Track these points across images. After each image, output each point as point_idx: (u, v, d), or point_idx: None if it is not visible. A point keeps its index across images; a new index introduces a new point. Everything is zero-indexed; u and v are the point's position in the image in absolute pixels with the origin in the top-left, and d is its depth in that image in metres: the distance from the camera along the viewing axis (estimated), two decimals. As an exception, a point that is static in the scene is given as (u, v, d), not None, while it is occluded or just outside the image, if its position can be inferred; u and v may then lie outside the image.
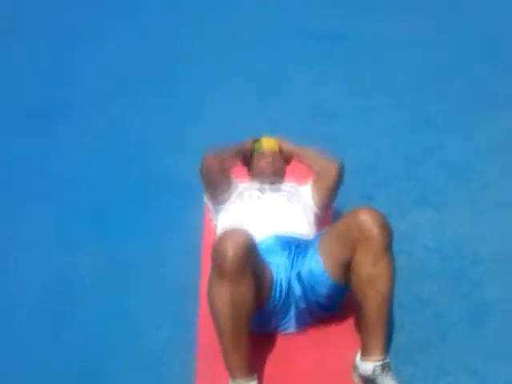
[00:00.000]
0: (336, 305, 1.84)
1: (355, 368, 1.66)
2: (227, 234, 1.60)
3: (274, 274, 1.74)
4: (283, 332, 1.82)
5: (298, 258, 1.80)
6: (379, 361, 1.58)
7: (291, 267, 1.78)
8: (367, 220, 1.61)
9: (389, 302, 1.62)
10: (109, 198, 2.61)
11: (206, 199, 2.24)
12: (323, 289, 1.74)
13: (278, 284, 1.75)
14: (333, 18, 5.19)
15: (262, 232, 1.86)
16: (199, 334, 1.84)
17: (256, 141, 2.31)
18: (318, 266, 1.72)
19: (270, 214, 2.00)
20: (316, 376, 1.72)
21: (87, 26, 4.57)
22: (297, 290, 1.76)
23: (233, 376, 1.57)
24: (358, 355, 1.66)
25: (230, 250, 1.53)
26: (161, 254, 2.25)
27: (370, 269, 1.60)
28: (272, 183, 2.19)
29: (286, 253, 1.82)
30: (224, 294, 1.54)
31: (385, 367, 1.58)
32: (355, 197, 2.58)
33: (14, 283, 2.15)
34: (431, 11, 5.39)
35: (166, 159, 2.89)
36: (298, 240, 1.90)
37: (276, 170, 2.22)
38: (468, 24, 5.10)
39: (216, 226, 2.20)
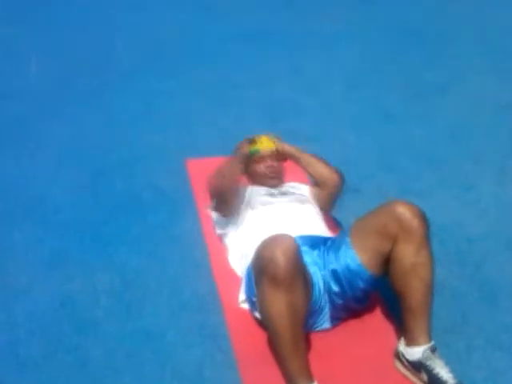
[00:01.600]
0: (369, 297, 1.88)
1: (400, 355, 1.71)
2: (273, 240, 1.58)
3: (312, 274, 1.75)
4: (318, 329, 1.83)
5: (328, 255, 1.81)
6: (427, 344, 1.64)
7: (324, 265, 1.79)
8: (405, 212, 1.67)
9: (432, 288, 1.67)
10: (98, 216, 2.46)
11: (212, 211, 2.21)
12: (361, 283, 1.77)
13: (316, 284, 1.76)
14: (263, 16, 5.31)
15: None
16: (235, 346, 1.80)
17: (251, 142, 2.21)
18: (355, 261, 1.74)
19: (287, 218, 2.01)
20: (359, 368, 1.73)
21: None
22: (334, 286, 1.77)
23: (294, 382, 1.56)
24: (402, 343, 1.70)
25: (282, 257, 1.51)
26: (169, 267, 2.15)
27: (412, 258, 1.65)
28: (275, 186, 2.20)
29: (316, 251, 1.83)
30: (281, 302, 1.51)
31: (433, 350, 1.64)
32: (343, 190, 2.65)
33: (22, 316, 1.96)
34: (355, 5, 5.65)
35: (148, 171, 2.81)
36: (323, 238, 1.93)
37: (277, 172, 2.22)
38: (393, 14, 5.40)
39: (225, 235, 2.17)
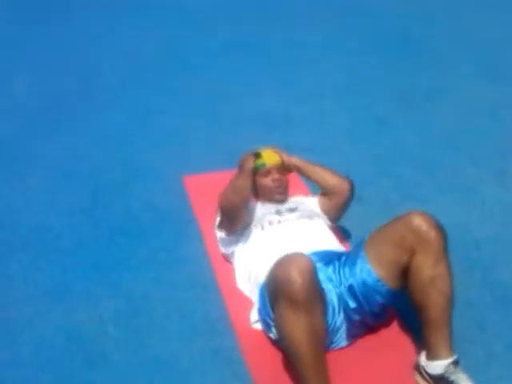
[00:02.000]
0: (386, 311, 1.85)
1: (421, 369, 1.67)
2: (288, 260, 1.54)
3: (326, 292, 1.72)
4: (335, 348, 1.79)
5: (344, 271, 1.77)
6: (450, 358, 1.61)
7: (340, 282, 1.76)
8: (422, 224, 1.64)
9: (452, 301, 1.64)
10: (99, 240, 2.40)
11: (218, 230, 2.16)
12: (378, 297, 1.73)
13: (330, 302, 1.72)
14: (248, 29, 5.30)
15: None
16: (251, 370, 1.75)
17: (257, 156, 2.15)
18: (371, 276, 1.71)
19: (297, 236, 1.97)
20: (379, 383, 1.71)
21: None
22: (351, 303, 1.74)
23: (318, 403, 1.52)
24: (423, 356, 1.67)
25: (299, 278, 1.47)
26: (176, 290, 2.10)
27: (431, 271, 1.62)
28: (282, 201, 2.16)
29: (331, 267, 1.80)
30: (301, 324, 1.48)
31: (457, 363, 1.61)
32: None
33: (28, 352, 1.88)
34: (336, 16, 5.66)
35: (146, 191, 2.75)
36: (337, 253, 1.90)
37: (283, 187, 2.18)
38: (376, 23, 5.42)
39: (231, 255, 2.14)
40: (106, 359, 1.83)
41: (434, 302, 1.62)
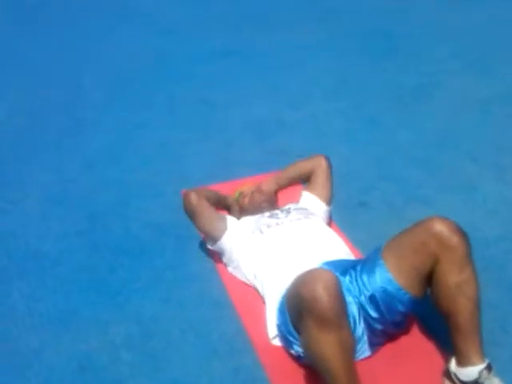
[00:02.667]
0: (406, 319, 1.81)
1: (452, 376, 1.63)
2: (312, 277, 1.48)
3: (347, 304, 1.66)
4: (358, 358, 1.74)
5: (362, 280, 1.72)
6: (483, 364, 1.57)
7: (359, 292, 1.71)
8: (444, 230, 1.60)
9: (479, 305, 1.61)
10: (100, 264, 2.32)
11: (209, 242, 2.17)
12: (400, 306, 1.68)
13: (351, 313, 1.67)
14: (229, 35, 5.26)
15: (310, 263, 1.76)
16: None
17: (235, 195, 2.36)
18: (393, 284, 1.66)
19: (302, 240, 1.95)
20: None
21: None
22: (372, 312, 1.69)
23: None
24: (453, 363, 1.63)
25: (326, 295, 1.41)
26: (188, 310, 2.03)
27: (456, 277, 1.58)
28: (270, 208, 2.20)
29: (348, 277, 1.74)
30: (332, 342, 1.42)
31: (490, 369, 1.57)
32: (350, 205, 2.60)
33: None
34: (320, 17, 5.65)
35: (142, 209, 2.68)
36: (351, 261, 1.85)
37: (266, 195, 2.27)
38: (359, 23, 5.42)
39: (233, 263, 2.10)
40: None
41: (461, 308, 1.58)
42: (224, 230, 2.09)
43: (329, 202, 2.28)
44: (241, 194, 2.31)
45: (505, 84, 3.87)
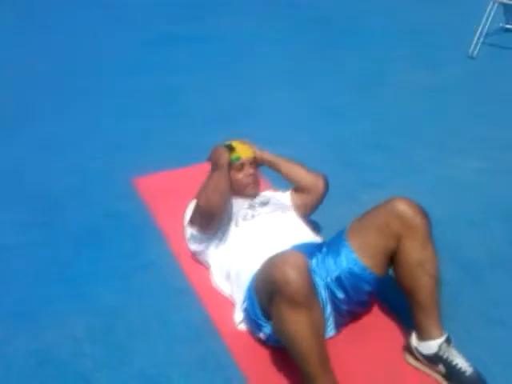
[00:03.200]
0: (370, 299, 1.86)
1: (413, 350, 1.69)
2: (282, 259, 1.49)
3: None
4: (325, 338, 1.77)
5: (328, 262, 1.75)
6: (442, 337, 1.64)
7: (326, 273, 1.73)
8: (406, 210, 1.65)
9: (439, 282, 1.67)
10: (59, 255, 2.24)
11: (191, 227, 2.05)
12: (366, 286, 1.73)
13: (320, 294, 1.70)
14: (193, 22, 5.19)
15: (280, 247, 1.74)
16: (246, 373, 1.70)
17: (231, 150, 2.07)
18: (358, 264, 1.70)
19: (273, 229, 1.94)
20: (372, 370, 1.71)
21: None
22: (338, 293, 1.72)
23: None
24: (414, 337, 1.69)
25: (297, 277, 1.43)
26: (150, 299, 2.00)
27: (419, 255, 1.64)
28: (254, 195, 2.13)
29: (314, 260, 1.77)
30: (304, 323, 1.44)
31: (449, 342, 1.64)
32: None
33: None
34: (280, 10, 5.67)
35: (99, 198, 2.62)
36: (316, 244, 1.88)
37: (256, 181, 2.14)
38: (313, 14, 5.47)
39: (203, 252, 2.07)
40: (87, 381, 1.71)
41: (423, 284, 1.64)
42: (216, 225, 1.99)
43: (304, 217, 2.14)
44: (238, 159, 2.07)
45: (452, 73, 4.03)
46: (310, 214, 2.18)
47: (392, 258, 1.71)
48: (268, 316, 1.63)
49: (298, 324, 1.44)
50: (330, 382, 1.50)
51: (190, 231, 2.06)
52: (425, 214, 1.67)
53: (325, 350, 1.51)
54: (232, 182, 2.06)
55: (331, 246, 1.80)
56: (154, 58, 4.35)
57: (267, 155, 2.15)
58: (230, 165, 2.05)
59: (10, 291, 2.06)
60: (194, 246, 2.09)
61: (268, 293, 1.53)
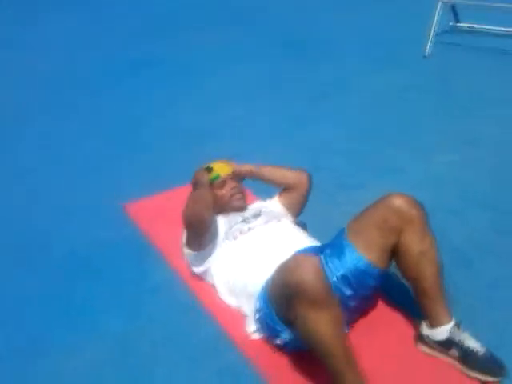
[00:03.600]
0: (374, 294, 1.93)
1: (424, 338, 1.77)
2: (297, 263, 1.55)
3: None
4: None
5: (332, 262, 1.81)
6: (452, 322, 1.73)
7: (331, 274, 1.79)
8: (403, 204, 1.74)
9: (442, 269, 1.76)
10: (55, 289, 2.23)
11: (188, 248, 2.10)
12: (371, 280, 1.81)
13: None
14: (147, 45, 5.20)
15: (284, 254, 1.76)
16: (270, 381, 1.74)
17: (209, 171, 2.16)
18: (362, 261, 1.77)
19: (273, 238, 1.99)
20: (385, 362, 1.77)
21: None
22: (346, 291, 1.78)
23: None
24: (424, 326, 1.77)
25: (314, 277, 1.49)
26: (160, 321, 2.01)
27: (419, 246, 1.73)
28: (242, 208, 2.18)
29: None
30: (326, 321, 1.50)
31: (459, 325, 1.73)
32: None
33: None
34: (234, 24, 5.75)
35: (85, 227, 2.61)
36: (318, 247, 1.94)
37: (241, 193, 2.20)
38: (271, 28, 5.57)
39: (205, 273, 2.10)
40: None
41: (427, 273, 1.73)
42: (211, 240, 2.05)
43: (296, 216, 2.26)
44: (218, 177, 2.15)
45: (411, 73, 4.20)
46: (299, 213, 2.26)
47: (394, 252, 1.79)
48: (285, 322, 1.67)
49: (320, 323, 1.50)
50: (357, 375, 1.55)
51: (186, 253, 2.11)
52: (420, 205, 1.77)
53: (348, 345, 1.56)
54: (218, 199, 2.13)
55: (333, 246, 1.87)
56: (112, 83, 4.34)
57: (246, 167, 2.22)
58: (212, 185, 2.13)
59: (11, 330, 2.03)
60: (196, 269, 2.13)
61: (286, 297, 1.57)
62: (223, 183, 2.16)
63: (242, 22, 5.73)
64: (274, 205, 2.25)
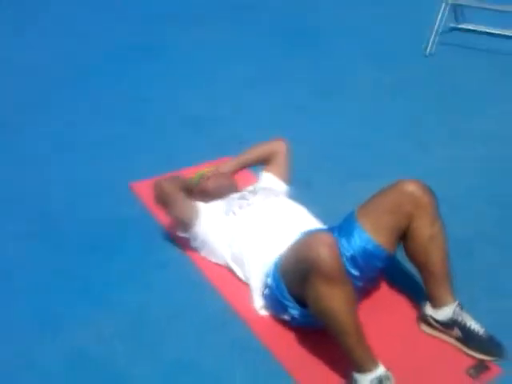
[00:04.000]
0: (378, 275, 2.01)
1: (427, 318, 1.85)
2: (313, 239, 1.61)
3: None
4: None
5: (341, 243, 1.84)
6: (455, 302, 1.80)
7: (341, 254, 1.85)
8: (416, 190, 1.81)
9: (448, 254, 1.84)
10: (69, 264, 2.26)
11: (181, 228, 2.20)
12: (378, 263, 1.87)
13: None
14: (150, 32, 5.19)
15: (291, 236, 1.85)
16: (277, 354, 1.80)
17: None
18: (371, 243, 1.83)
19: (278, 213, 2.07)
20: (389, 341, 1.83)
21: None
22: (354, 272, 1.84)
23: (364, 370, 1.59)
24: (428, 307, 1.84)
25: (330, 253, 1.55)
26: (171, 294, 2.07)
27: (429, 230, 1.80)
28: (234, 189, 2.29)
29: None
30: (340, 297, 1.55)
31: (461, 306, 1.80)
32: (296, 185, 2.70)
33: None
34: (233, 13, 5.75)
35: (94, 206, 2.64)
36: (327, 229, 1.99)
37: (226, 176, 2.32)
38: (272, 19, 5.59)
39: (208, 247, 2.17)
40: (122, 377, 1.76)
41: (435, 257, 1.81)
42: (198, 215, 2.13)
43: (288, 182, 2.38)
44: (202, 176, 2.33)
45: (412, 71, 4.27)
46: (289, 177, 2.39)
47: (402, 236, 1.86)
48: (295, 297, 1.74)
49: (334, 299, 1.55)
50: (365, 352, 1.61)
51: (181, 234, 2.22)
52: (432, 192, 1.84)
53: (360, 323, 1.62)
54: (209, 190, 2.27)
55: (342, 228, 1.92)
56: (117, 69, 4.35)
57: (229, 162, 2.39)
58: (195, 188, 2.30)
59: (25, 303, 2.06)
60: (194, 244, 2.21)
61: (300, 273, 1.63)
62: (205, 178, 2.32)
63: (242, 18, 5.72)
64: (266, 179, 2.34)
